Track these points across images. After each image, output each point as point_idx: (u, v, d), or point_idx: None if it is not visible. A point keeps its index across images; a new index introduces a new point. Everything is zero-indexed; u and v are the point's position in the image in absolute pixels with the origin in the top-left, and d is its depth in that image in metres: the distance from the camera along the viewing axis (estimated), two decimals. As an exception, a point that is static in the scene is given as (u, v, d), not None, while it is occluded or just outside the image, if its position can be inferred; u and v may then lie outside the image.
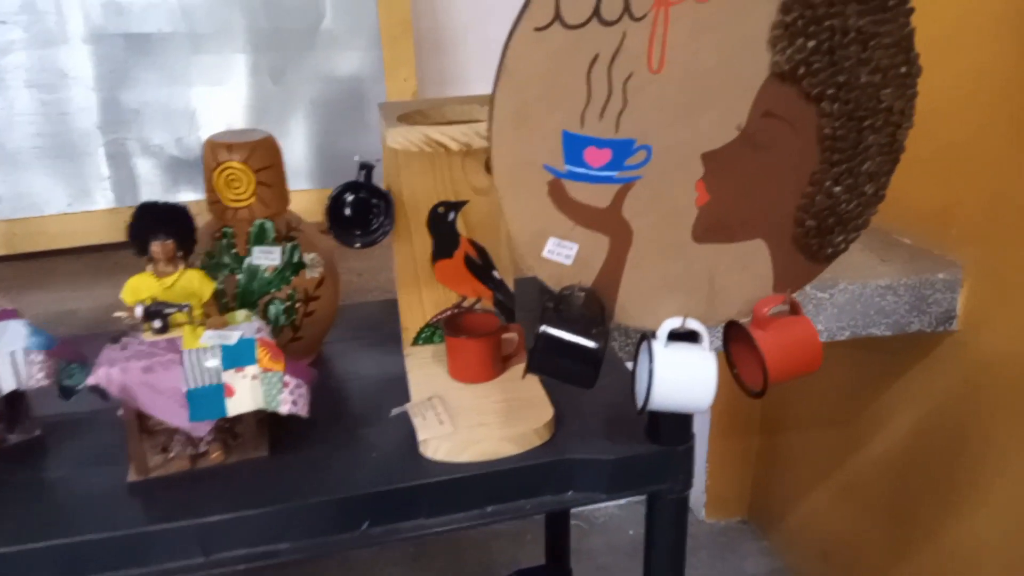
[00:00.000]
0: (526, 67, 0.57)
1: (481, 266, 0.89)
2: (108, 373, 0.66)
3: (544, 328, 0.62)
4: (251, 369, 0.70)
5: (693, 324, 0.65)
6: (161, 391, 0.68)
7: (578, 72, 0.58)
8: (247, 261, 0.82)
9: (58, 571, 0.65)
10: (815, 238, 0.65)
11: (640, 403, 0.65)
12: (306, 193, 1.43)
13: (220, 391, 0.69)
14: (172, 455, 0.72)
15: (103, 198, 1.47)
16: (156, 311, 0.71)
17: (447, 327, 0.83)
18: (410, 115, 0.76)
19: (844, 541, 1.54)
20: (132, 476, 0.71)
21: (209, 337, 0.70)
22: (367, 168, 0.82)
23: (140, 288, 0.72)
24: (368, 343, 0.97)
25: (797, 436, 1.67)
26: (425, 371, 0.85)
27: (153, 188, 1.51)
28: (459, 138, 0.67)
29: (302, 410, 0.71)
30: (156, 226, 0.72)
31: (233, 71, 1.49)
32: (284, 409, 0.70)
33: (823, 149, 0.63)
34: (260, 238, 0.83)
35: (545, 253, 0.62)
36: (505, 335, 0.85)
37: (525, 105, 0.58)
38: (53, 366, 0.72)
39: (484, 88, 0.84)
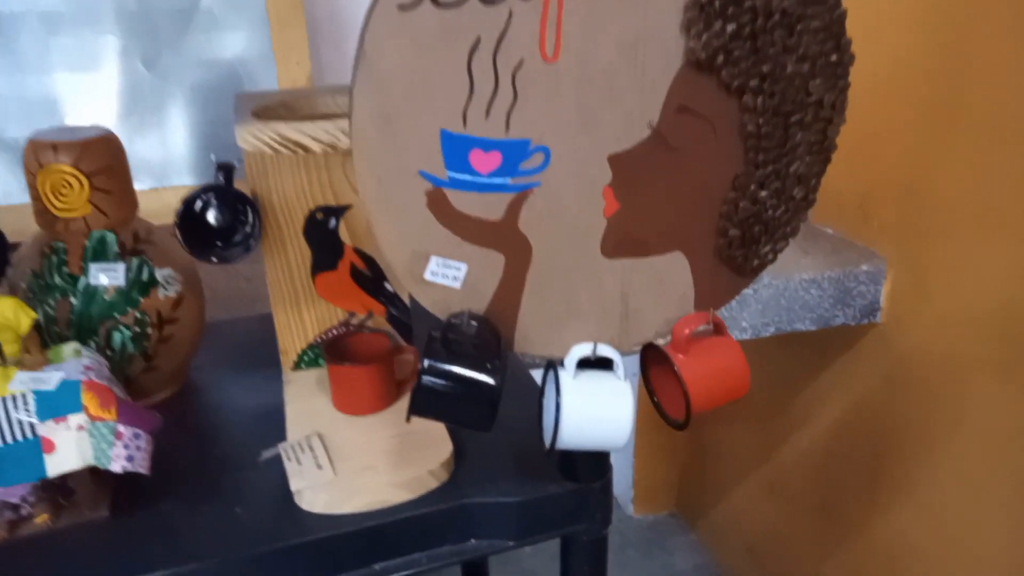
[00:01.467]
0: (391, 55, 0.47)
1: (370, 278, 0.78)
2: None
3: (429, 362, 0.52)
4: (76, 418, 0.57)
5: (605, 350, 0.56)
6: (-45, 454, 0.55)
7: (456, 61, 0.47)
8: (83, 281, 0.69)
9: None
10: (740, 249, 0.57)
11: (547, 442, 0.57)
12: (187, 190, 1.28)
13: (37, 447, 0.57)
14: (-16, 524, 0.59)
15: None
16: (-51, 353, 0.57)
17: (328, 352, 0.72)
18: (271, 108, 0.64)
19: (770, 535, 1.52)
20: (-71, 555, 0.57)
21: (22, 382, 0.57)
22: (226, 169, 0.70)
23: (-68, 323, 0.59)
24: (245, 367, 0.85)
25: (724, 429, 1.64)
26: (306, 402, 0.74)
27: (9, 187, 1.33)
28: (321, 137, 0.56)
29: (140, 466, 0.59)
30: (-49, 246, 0.58)
31: (100, 55, 1.32)
32: (116, 467, 0.58)
33: (747, 149, 0.55)
34: (100, 253, 0.70)
35: (428, 275, 0.52)
36: (399, 356, 0.74)
37: (392, 101, 0.48)
38: None
39: None
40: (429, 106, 0.48)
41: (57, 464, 0.57)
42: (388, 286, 0.79)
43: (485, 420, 0.54)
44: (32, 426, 0.56)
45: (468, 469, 0.67)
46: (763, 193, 0.56)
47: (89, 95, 1.32)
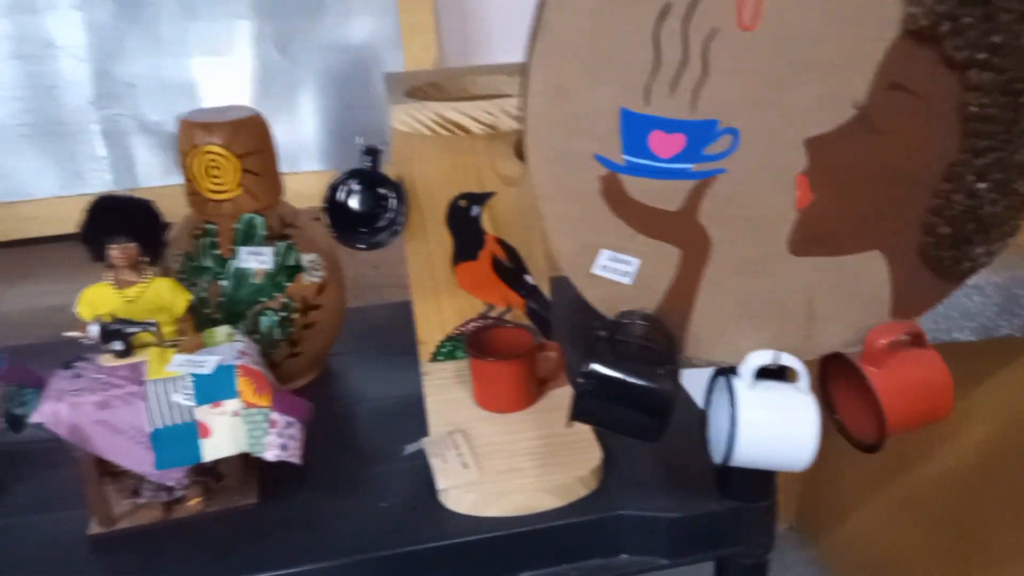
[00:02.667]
0: (571, 22, 0.42)
1: (511, 270, 0.75)
2: (55, 410, 0.54)
3: (594, 367, 0.48)
4: (231, 404, 0.57)
5: (788, 360, 0.50)
6: (120, 430, 0.55)
7: (642, 29, 0.43)
8: (233, 264, 0.69)
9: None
10: (949, 249, 0.50)
11: (720, 456, 0.51)
12: (316, 175, 1.30)
13: (193, 431, 0.56)
14: (142, 501, 0.60)
15: (98, 180, 1.35)
16: (115, 331, 0.58)
17: (471, 346, 0.69)
18: (422, 88, 0.62)
19: (897, 555, 1.40)
20: (94, 528, 0.59)
21: (179, 364, 0.57)
22: (373, 153, 0.68)
23: (98, 302, 0.60)
24: (381, 356, 0.84)
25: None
26: (446, 395, 0.72)
27: (153, 170, 1.39)
28: (482, 118, 0.53)
29: (293, 456, 0.58)
30: (115, 226, 0.59)
31: (234, 40, 1.35)
32: (270, 455, 0.57)
33: (966, 133, 0.47)
34: (248, 237, 0.70)
35: (596, 269, 0.48)
36: (542, 353, 0.71)
37: (569, 75, 0.43)
38: (1, 391, 0.60)
39: (516, 57, 0.69)
40: (609, 80, 0.43)
41: (212, 449, 0.57)
42: (528, 279, 0.76)
43: (654, 431, 0.49)
44: (190, 410, 0.56)
45: (619, 479, 0.63)
46: (981, 185, 0.49)
47: (224, 79, 1.36)
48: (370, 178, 0.68)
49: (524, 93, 0.44)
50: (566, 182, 0.46)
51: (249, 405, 0.57)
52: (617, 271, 0.48)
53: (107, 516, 0.59)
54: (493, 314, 0.77)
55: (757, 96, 0.45)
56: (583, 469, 0.61)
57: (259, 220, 0.70)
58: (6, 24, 1.27)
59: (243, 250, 0.69)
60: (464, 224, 0.72)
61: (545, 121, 0.44)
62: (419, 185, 0.70)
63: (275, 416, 0.57)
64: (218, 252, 0.69)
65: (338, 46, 1.39)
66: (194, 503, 0.60)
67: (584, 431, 0.65)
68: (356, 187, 0.68)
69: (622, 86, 0.44)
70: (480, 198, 0.71)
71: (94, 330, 0.57)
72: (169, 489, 0.61)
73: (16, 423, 0.61)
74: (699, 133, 0.45)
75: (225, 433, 0.57)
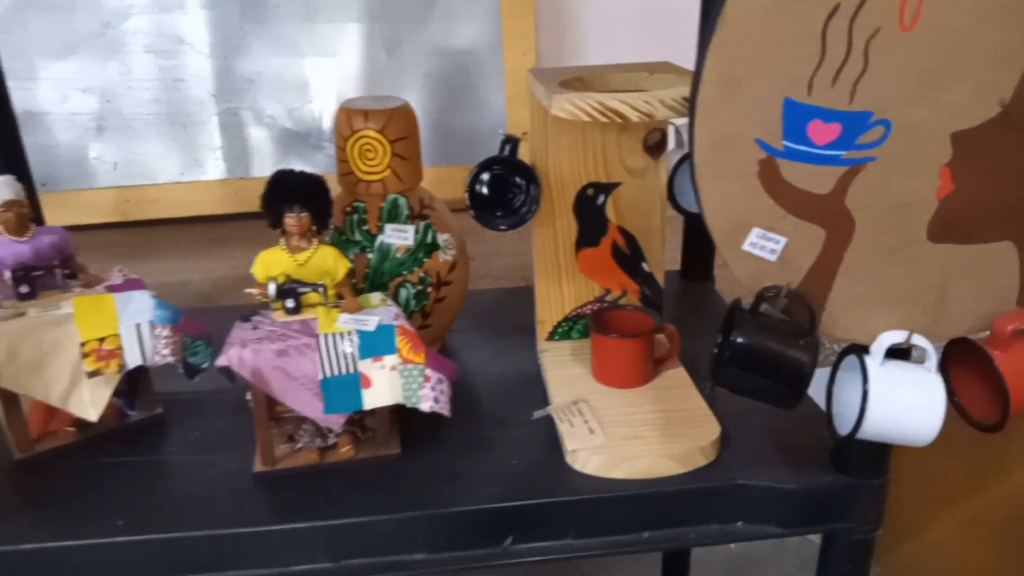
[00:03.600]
0: (747, 18, 0.47)
1: (629, 257, 0.80)
2: (240, 355, 0.61)
3: (739, 337, 0.52)
4: (390, 359, 0.63)
5: (919, 341, 0.54)
6: (295, 377, 0.62)
7: (812, 26, 0.47)
8: (379, 239, 0.76)
9: (169, 569, 0.60)
10: (1079, 242, 0.53)
11: (847, 429, 0.55)
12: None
13: (356, 381, 0.63)
14: (299, 446, 0.66)
15: (214, 168, 1.45)
16: (289, 290, 0.64)
17: (594, 323, 0.74)
18: (569, 82, 0.67)
19: (967, 576, 1.38)
20: (258, 466, 0.65)
21: (346, 321, 0.63)
22: (512, 142, 0.74)
23: (272, 263, 0.66)
24: (493, 335, 0.89)
25: (923, 452, 1.51)
26: (565, 371, 0.77)
27: (264, 160, 1.48)
28: (640, 107, 0.58)
29: (444, 408, 0.63)
30: (291, 197, 0.66)
31: (346, 41, 1.44)
32: (425, 406, 0.63)
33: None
34: (393, 215, 0.76)
35: (746, 246, 0.52)
36: (659, 335, 0.75)
37: (742, 65, 0.48)
38: (179, 342, 0.67)
39: (607, 61, 0.74)
40: (777, 71, 0.48)
41: (372, 398, 0.63)
42: (645, 266, 0.80)
43: (792, 398, 0.53)
44: (355, 362, 0.62)
45: (735, 451, 0.67)
46: (1114, 184, 0.52)
47: (334, 78, 1.45)
48: (508, 165, 0.74)
49: (696, 81, 0.49)
50: (727, 163, 0.50)
51: (406, 361, 0.62)
52: (765, 248, 0.52)
53: (270, 456, 0.65)
54: (609, 298, 0.82)
55: (910, 91, 0.49)
56: (703, 440, 0.65)
57: (403, 200, 0.77)
58: (143, 21, 1.38)
59: (389, 227, 0.76)
60: (589, 212, 0.77)
61: (714, 107, 0.49)
62: (551, 173, 0.76)
63: (429, 372, 0.63)
64: (366, 228, 0.76)
65: (442, 50, 1.46)
66: (345, 451, 0.66)
67: (702, 407, 0.69)
68: (496, 173, 0.73)
69: (788, 77, 0.48)
70: (606, 188, 0.77)
71: (272, 288, 0.64)
72: (323, 436, 0.67)
73: (191, 370, 0.69)
74: (854, 123, 0.49)
75: (384, 385, 0.63)
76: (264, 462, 0.65)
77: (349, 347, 0.62)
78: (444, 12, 1.45)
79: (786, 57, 0.48)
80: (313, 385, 0.62)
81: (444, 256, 0.78)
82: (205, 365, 0.69)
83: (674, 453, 0.64)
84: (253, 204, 1.50)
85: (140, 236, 1.42)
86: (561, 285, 0.80)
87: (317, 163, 1.46)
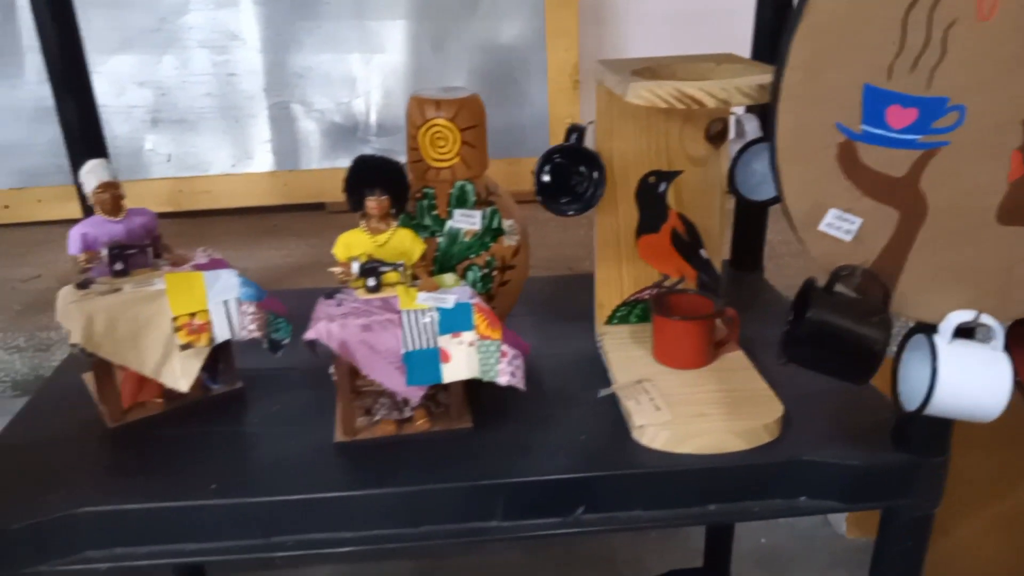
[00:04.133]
0: (831, 7, 0.50)
1: (689, 243, 0.82)
2: (328, 328, 0.64)
3: (815, 314, 0.54)
4: (468, 335, 0.65)
5: (988, 320, 0.56)
6: (379, 351, 0.65)
7: (893, 15, 0.50)
8: (448, 224, 0.79)
9: (260, 530, 0.63)
10: None
11: (915, 405, 0.57)
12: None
13: (436, 356, 0.65)
14: (377, 418, 0.69)
15: (264, 161, 1.49)
16: (371, 269, 0.67)
17: (657, 306, 0.77)
18: (639, 72, 0.70)
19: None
20: (339, 436, 0.68)
21: (425, 299, 0.66)
22: (578, 131, 0.77)
23: (353, 244, 0.69)
24: (549, 319, 0.92)
25: (957, 451, 1.52)
26: (625, 352, 0.79)
27: (312, 153, 1.51)
28: (717, 94, 0.60)
29: (519, 383, 0.66)
30: (373, 180, 0.69)
31: (394, 38, 1.47)
32: (503, 380, 0.65)
33: None
34: (461, 200, 0.79)
35: (823, 226, 0.55)
36: (720, 318, 0.78)
37: (826, 52, 0.51)
38: (263, 318, 0.70)
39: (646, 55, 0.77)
40: (859, 59, 0.50)
41: (450, 372, 0.66)
42: (703, 253, 0.83)
43: (864, 375, 0.56)
44: (435, 338, 0.65)
45: (797, 429, 0.69)
46: None
47: (381, 74, 1.48)
48: (574, 153, 0.77)
49: (779, 68, 0.51)
50: (807, 147, 0.53)
51: (483, 337, 0.65)
52: (840, 228, 0.55)
53: (351, 427, 0.68)
54: (667, 284, 0.84)
55: (986, 78, 0.51)
56: (767, 418, 0.67)
57: (470, 187, 0.80)
58: (198, 17, 1.42)
59: (457, 212, 0.79)
60: (651, 199, 0.80)
61: (796, 92, 0.52)
62: (615, 161, 0.78)
63: (505, 348, 0.65)
64: (435, 213, 0.79)
65: (486, 46, 1.49)
66: (421, 423, 0.69)
67: (763, 387, 0.72)
68: (559, 162, 0.76)
69: (869, 64, 0.50)
70: (668, 176, 0.79)
71: (356, 267, 0.67)
72: (399, 409, 0.70)
73: (274, 345, 0.72)
74: (931, 109, 0.51)
75: (462, 360, 0.66)
76: (345, 432, 0.68)
77: (430, 323, 0.65)
78: (489, 9, 1.48)
79: (867, 45, 0.50)
80: (395, 359, 0.65)
81: (508, 241, 0.81)
82: (286, 341, 0.72)
83: (739, 430, 0.66)
84: (301, 196, 1.55)
85: (193, 226, 1.46)
86: (621, 270, 0.83)
87: (363, 156, 1.50)
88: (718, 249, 0.83)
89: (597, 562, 1.54)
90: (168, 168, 1.46)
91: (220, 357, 0.74)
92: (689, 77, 0.72)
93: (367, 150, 1.51)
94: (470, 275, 0.79)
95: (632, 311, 0.85)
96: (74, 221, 0.73)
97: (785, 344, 0.57)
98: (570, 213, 0.75)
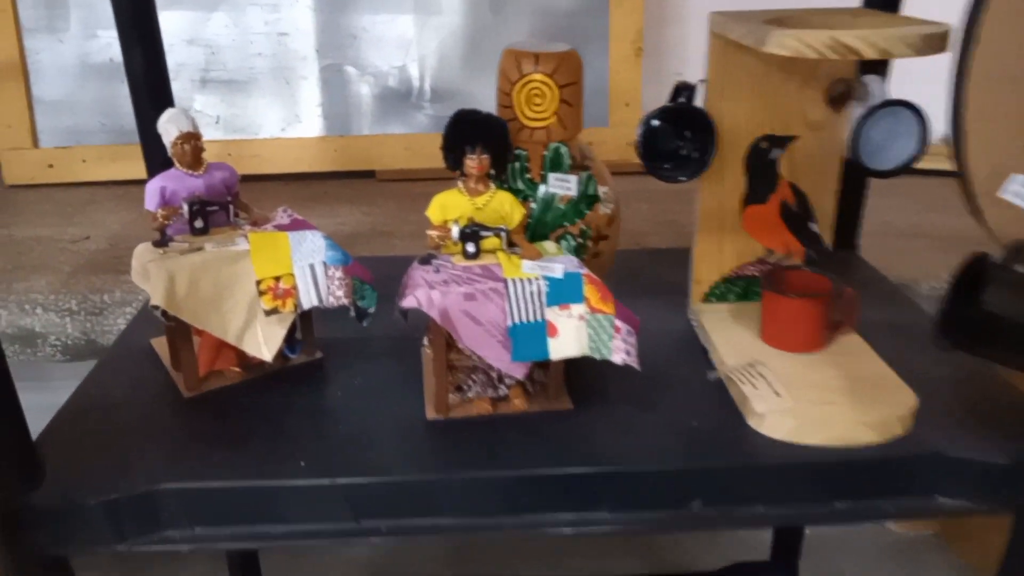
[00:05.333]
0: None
1: (798, 216, 0.75)
2: (429, 296, 0.58)
3: (991, 293, 0.48)
4: (577, 308, 0.60)
5: None
6: (481, 323, 0.59)
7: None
8: (542, 188, 0.73)
9: (352, 512, 0.58)
10: None
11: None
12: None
13: (542, 330, 0.60)
14: (471, 396, 0.64)
15: (314, 125, 1.44)
16: (472, 233, 0.62)
17: (770, 282, 0.71)
18: (770, 22, 0.63)
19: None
20: (430, 413, 0.63)
21: (532, 267, 0.61)
22: (688, 90, 0.70)
23: (449, 206, 0.64)
24: (636, 295, 0.86)
25: None
26: (728, 332, 0.74)
27: (364, 119, 1.46)
28: (879, 43, 0.54)
29: (634, 361, 0.61)
30: (474, 137, 0.63)
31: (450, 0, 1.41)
32: (617, 358, 0.60)
33: None
34: (556, 164, 0.73)
35: (1006, 193, 0.48)
36: (838, 298, 0.71)
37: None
38: (350, 284, 0.65)
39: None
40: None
41: (558, 349, 0.60)
42: (813, 227, 0.76)
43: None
44: (542, 310, 0.60)
45: (931, 422, 0.63)
46: None
47: (438, 36, 1.42)
48: (682, 114, 0.70)
49: (974, 12, 0.45)
50: (1001, 104, 0.46)
51: (594, 310, 0.60)
52: (1022, 197, 0.48)
53: (444, 404, 0.63)
54: (771, 259, 0.78)
55: None
56: (900, 409, 0.61)
57: (565, 149, 0.74)
58: (251, -27, 1.35)
59: (553, 176, 0.73)
60: (761, 166, 0.74)
61: (994, 45, 0.45)
62: (724, 123, 0.72)
63: (619, 323, 0.60)
64: (528, 176, 0.73)
65: (546, 9, 1.42)
66: (518, 402, 0.64)
67: (888, 374, 0.66)
68: (669, 121, 0.70)
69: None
70: (782, 141, 0.73)
71: (455, 231, 0.61)
72: (494, 387, 0.64)
73: (361, 314, 0.67)
74: None
75: (570, 335, 0.60)
76: (438, 409, 0.63)
77: (537, 294, 0.59)
78: (552, -31, 1.40)
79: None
80: (499, 332, 0.60)
81: (604, 209, 0.75)
82: (372, 309, 0.67)
83: (871, 421, 0.60)
84: (352, 162, 1.49)
85: (242, 190, 1.40)
86: (723, 243, 0.77)
87: (416, 124, 1.44)
88: (830, 223, 0.76)
89: (654, 548, 1.50)
90: (217, 130, 1.41)
91: (300, 324, 0.69)
92: (827, 27, 0.65)
93: (420, 117, 1.45)
94: (563, 244, 0.74)
95: (732, 288, 0.79)
96: (121, 183, 0.68)
97: (947, 326, 0.51)
98: (682, 179, 0.69)
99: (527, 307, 0.60)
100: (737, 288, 0.79)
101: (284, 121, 1.43)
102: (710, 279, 0.78)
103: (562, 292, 0.60)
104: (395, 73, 1.43)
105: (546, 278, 0.60)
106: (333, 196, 1.40)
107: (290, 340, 0.69)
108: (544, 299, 0.60)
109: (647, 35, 1.45)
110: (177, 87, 1.41)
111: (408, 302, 0.59)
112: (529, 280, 0.60)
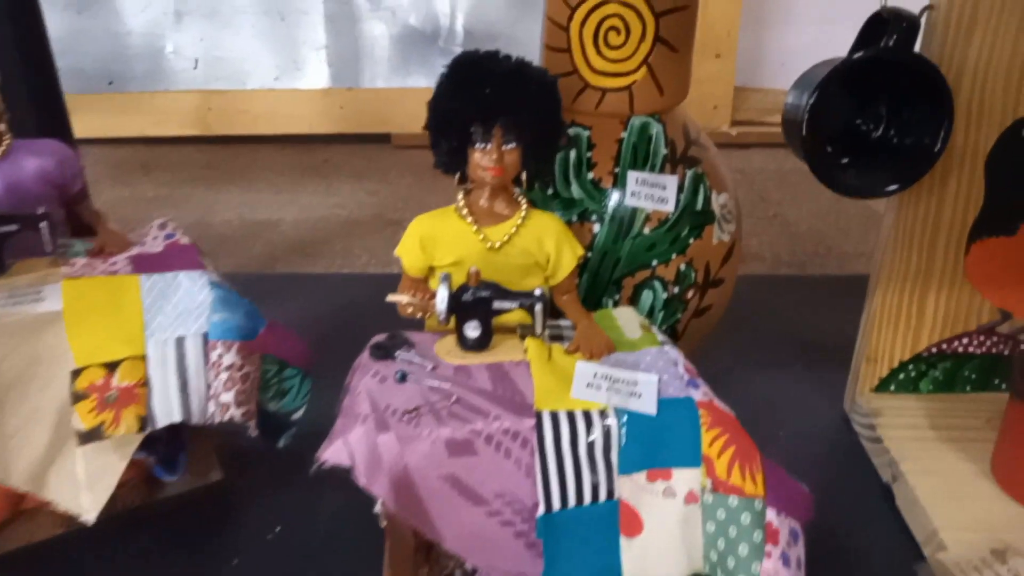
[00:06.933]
0: None
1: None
2: (373, 446, 0.28)
3: None
4: (686, 478, 0.29)
5: None
6: (480, 498, 0.29)
7: None
8: (615, 197, 0.41)
9: None
10: None
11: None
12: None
13: (612, 520, 0.29)
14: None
15: (317, 74, 1.14)
16: (476, 303, 0.31)
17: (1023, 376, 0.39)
18: None
19: None
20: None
21: (591, 382, 0.30)
22: (904, 24, 0.37)
23: (440, 241, 0.33)
24: (745, 361, 0.55)
25: None
26: (931, 462, 0.42)
27: (378, 66, 1.15)
28: None
29: (800, 597, 0.29)
30: (488, 106, 0.32)
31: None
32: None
33: None
34: (641, 154, 0.42)
35: None
36: None
37: None
38: (253, 377, 0.35)
39: None
40: None
41: (641, 560, 0.29)
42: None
43: None
44: (612, 478, 0.29)
45: None
46: None
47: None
48: (889, 68, 0.37)
49: None
50: None
51: (726, 489, 0.28)
52: None
53: (414, 615, 0.33)
54: (1002, 330, 0.45)
55: None
56: None
57: (658, 129, 0.42)
58: None
59: (633, 176, 0.41)
60: (1018, 170, 0.40)
61: None
62: (963, 87, 0.39)
63: (773, 516, 0.28)
64: (591, 177, 0.41)
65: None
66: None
67: None
68: (860, 83, 0.37)
69: None
70: (1066, 127, 0.39)
71: (441, 299, 0.31)
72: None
73: (274, 425, 0.37)
74: None
75: (665, 533, 0.29)
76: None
77: (602, 443, 0.28)
78: None
79: None
80: (517, 517, 0.29)
81: (720, 234, 0.43)
82: (297, 414, 0.38)
83: None
84: (361, 123, 1.17)
85: (224, 155, 1.12)
86: (922, 298, 0.44)
87: (445, 74, 1.12)
88: None
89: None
90: (195, 78, 1.13)
91: (181, 429, 0.40)
92: None
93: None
94: (645, 298, 0.42)
95: (928, 371, 0.46)
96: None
97: None
98: (889, 188, 0.37)
99: (579, 472, 0.29)
100: (938, 372, 0.47)
101: (278, 68, 1.14)
102: (894, 355, 0.46)
103: (655, 440, 0.29)
104: (419, 8, 1.11)
105: (620, 413, 0.29)
106: (336, 166, 1.10)
107: (164, 453, 0.40)
108: (615, 456, 0.29)
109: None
110: (145, 20, 1.12)
111: (334, 453, 0.29)
112: (586, 414, 0.29)
